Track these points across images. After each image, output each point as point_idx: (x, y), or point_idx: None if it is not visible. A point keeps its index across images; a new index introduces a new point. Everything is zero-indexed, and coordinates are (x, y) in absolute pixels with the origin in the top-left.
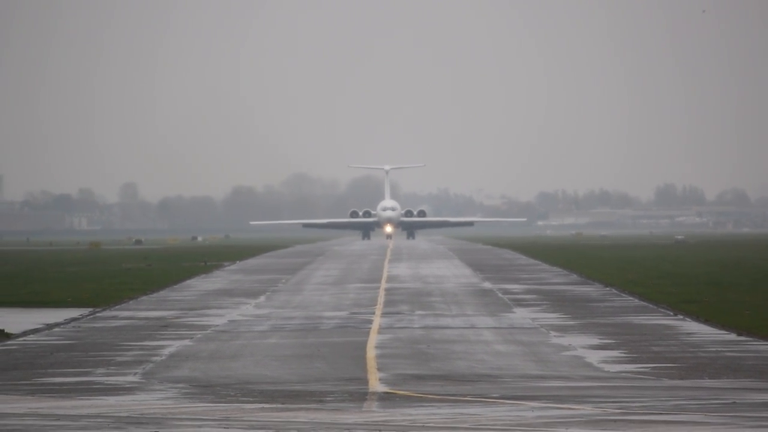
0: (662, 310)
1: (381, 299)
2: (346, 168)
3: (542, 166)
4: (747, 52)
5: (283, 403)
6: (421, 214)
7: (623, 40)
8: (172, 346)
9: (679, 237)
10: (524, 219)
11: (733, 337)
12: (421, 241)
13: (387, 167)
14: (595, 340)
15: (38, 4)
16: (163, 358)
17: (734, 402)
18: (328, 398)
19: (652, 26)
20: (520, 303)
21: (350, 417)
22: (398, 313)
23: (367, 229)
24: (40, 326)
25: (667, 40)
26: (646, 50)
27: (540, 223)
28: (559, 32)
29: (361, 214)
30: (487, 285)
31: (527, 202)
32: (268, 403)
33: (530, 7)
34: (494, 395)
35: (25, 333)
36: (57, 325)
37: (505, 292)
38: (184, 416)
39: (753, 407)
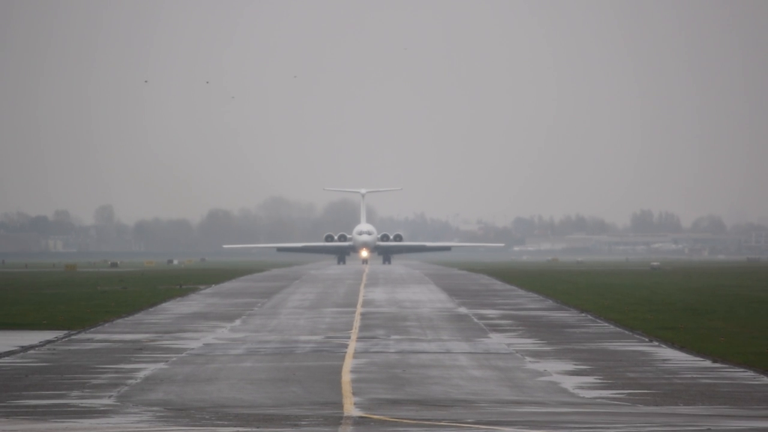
0: (638, 336)
1: (357, 323)
2: (322, 191)
3: (519, 192)
4: (723, 81)
5: (257, 427)
6: (398, 238)
7: (597, 69)
8: (147, 369)
9: (655, 263)
10: (502, 244)
11: (708, 363)
12: (397, 266)
13: (363, 191)
14: (570, 366)
15: (6, 30)
16: (138, 381)
17: (709, 429)
18: (303, 422)
19: (625, 55)
20: (496, 328)
21: None
22: (374, 337)
23: (342, 254)
24: (15, 348)
25: (642, 69)
26: (621, 79)
27: (516, 248)
28: (531, 59)
29: (336, 238)
30: (463, 310)
31: (504, 228)
32: (243, 426)
33: (502, 36)
34: (469, 420)
35: None
36: (32, 347)
37: (481, 317)
38: None
39: None
